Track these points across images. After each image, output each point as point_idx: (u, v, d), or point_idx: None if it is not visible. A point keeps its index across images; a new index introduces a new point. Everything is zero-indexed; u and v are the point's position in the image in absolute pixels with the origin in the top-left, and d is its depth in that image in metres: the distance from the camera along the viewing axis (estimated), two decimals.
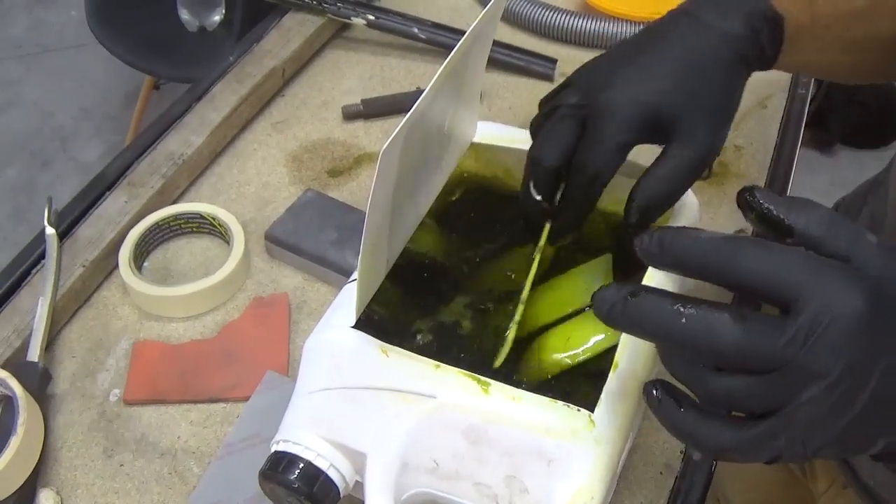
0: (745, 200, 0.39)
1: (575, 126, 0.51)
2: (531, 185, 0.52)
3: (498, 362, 0.51)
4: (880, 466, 0.59)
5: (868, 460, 0.60)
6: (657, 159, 0.50)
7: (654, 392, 0.38)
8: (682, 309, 0.36)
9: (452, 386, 0.46)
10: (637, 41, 0.53)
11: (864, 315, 0.34)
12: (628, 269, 0.55)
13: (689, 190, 0.57)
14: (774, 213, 0.38)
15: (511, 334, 0.51)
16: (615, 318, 0.38)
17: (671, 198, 0.51)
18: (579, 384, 0.50)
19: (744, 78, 0.53)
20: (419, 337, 0.53)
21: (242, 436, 0.60)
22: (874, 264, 0.36)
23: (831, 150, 2.23)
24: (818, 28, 0.54)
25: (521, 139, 0.60)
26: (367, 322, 0.50)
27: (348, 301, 0.49)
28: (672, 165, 0.49)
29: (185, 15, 1.69)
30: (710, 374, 0.36)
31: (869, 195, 0.71)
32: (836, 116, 2.16)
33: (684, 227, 0.39)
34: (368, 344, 0.48)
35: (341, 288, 0.53)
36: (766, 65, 0.54)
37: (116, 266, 0.69)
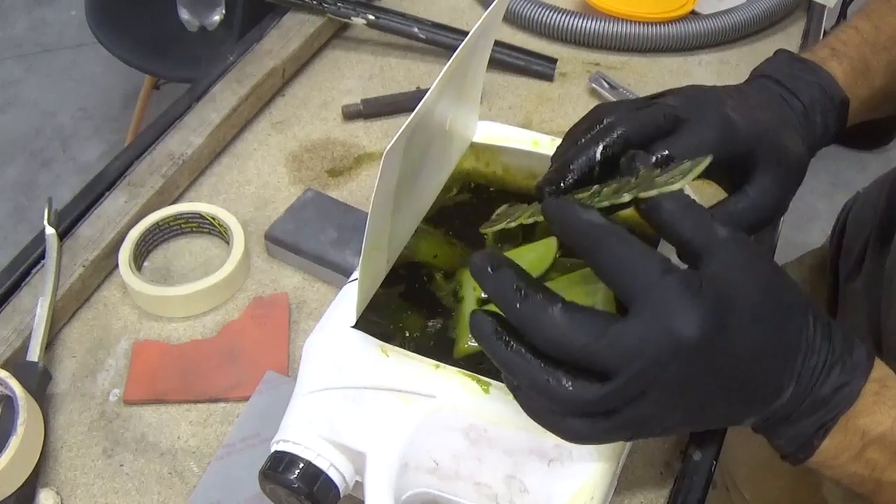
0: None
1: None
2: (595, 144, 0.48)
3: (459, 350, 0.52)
4: None
5: None
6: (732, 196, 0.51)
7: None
8: (520, 293, 0.39)
9: (452, 386, 0.46)
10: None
11: (688, 344, 0.37)
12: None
13: (690, 189, 0.57)
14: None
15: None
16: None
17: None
18: None
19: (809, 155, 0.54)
20: (417, 338, 0.53)
21: (242, 436, 0.60)
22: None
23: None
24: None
25: (520, 139, 0.60)
26: (366, 322, 0.50)
27: (348, 301, 0.49)
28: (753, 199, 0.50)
29: (185, 15, 1.69)
30: (562, 391, 0.38)
31: (885, 186, 0.72)
32: None
33: (576, 203, 0.40)
34: (368, 344, 0.48)
35: (341, 288, 0.53)
36: (830, 140, 0.56)
37: (116, 266, 0.69)
